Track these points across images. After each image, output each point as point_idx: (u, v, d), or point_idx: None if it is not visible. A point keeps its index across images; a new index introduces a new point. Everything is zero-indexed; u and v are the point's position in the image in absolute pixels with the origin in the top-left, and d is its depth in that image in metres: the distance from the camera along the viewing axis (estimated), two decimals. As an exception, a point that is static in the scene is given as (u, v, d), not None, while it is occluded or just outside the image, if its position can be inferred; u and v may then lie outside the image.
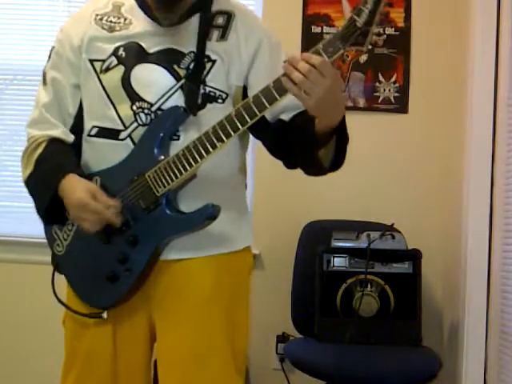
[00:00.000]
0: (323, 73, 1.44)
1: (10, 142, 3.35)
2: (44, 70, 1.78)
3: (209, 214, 1.60)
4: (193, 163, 1.58)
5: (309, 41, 3.18)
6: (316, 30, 3.22)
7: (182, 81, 1.66)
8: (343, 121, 1.58)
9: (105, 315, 1.67)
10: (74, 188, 1.62)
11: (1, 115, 3.36)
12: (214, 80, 1.68)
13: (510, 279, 2.69)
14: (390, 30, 3.20)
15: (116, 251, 1.65)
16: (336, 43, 1.46)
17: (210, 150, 1.56)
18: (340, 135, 1.59)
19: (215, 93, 1.68)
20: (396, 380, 2.61)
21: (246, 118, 1.53)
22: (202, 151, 1.57)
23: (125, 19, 1.73)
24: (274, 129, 1.71)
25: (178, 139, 1.65)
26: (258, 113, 1.53)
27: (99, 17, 1.74)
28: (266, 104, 1.51)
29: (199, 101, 1.66)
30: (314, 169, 1.67)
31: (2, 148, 3.35)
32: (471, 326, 2.82)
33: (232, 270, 1.72)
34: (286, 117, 1.71)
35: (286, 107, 1.67)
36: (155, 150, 1.63)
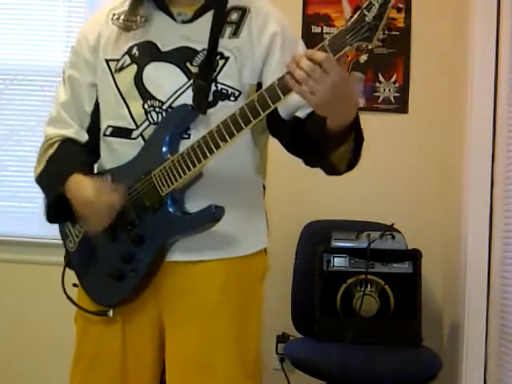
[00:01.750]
0: (327, 70, 1.38)
1: (11, 142, 3.34)
2: (63, 69, 1.79)
3: (211, 215, 1.57)
4: (196, 163, 1.55)
5: (309, 41, 3.13)
6: (316, 30, 3.22)
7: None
8: (357, 120, 1.51)
9: (110, 313, 1.66)
10: (79, 187, 1.61)
11: (1, 115, 3.35)
12: (227, 77, 1.65)
13: (510, 279, 2.69)
14: (389, 30, 3.21)
15: (122, 250, 1.64)
16: (343, 39, 1.40)
17: (214, 149, 1.54)
18: (354, 135, 1.53)
19: (227, 90, 1.65)
20: (396, 380, 2.61)
21: (250, 117, 1.50)
22: (206, 151, 1.54)
23: (141, 17, 1.72)
24: (290, 127, 1.66)
25: (189, 138, 1.63)
26: (261, 112, 1.49)
27: (116, 16, 1.74)
28: (270, 103, 1.47)
29: (210, 98, 1.63)
30: (329, 169, 1.63)
31: (3, 148, 3.34)
32: (471, 326, 2.82)
33: (242, 275, 1.68)
34: (301, 114, 1.64)
35: (302, 104, 1.58)
36: (163, 149, 1.61)
